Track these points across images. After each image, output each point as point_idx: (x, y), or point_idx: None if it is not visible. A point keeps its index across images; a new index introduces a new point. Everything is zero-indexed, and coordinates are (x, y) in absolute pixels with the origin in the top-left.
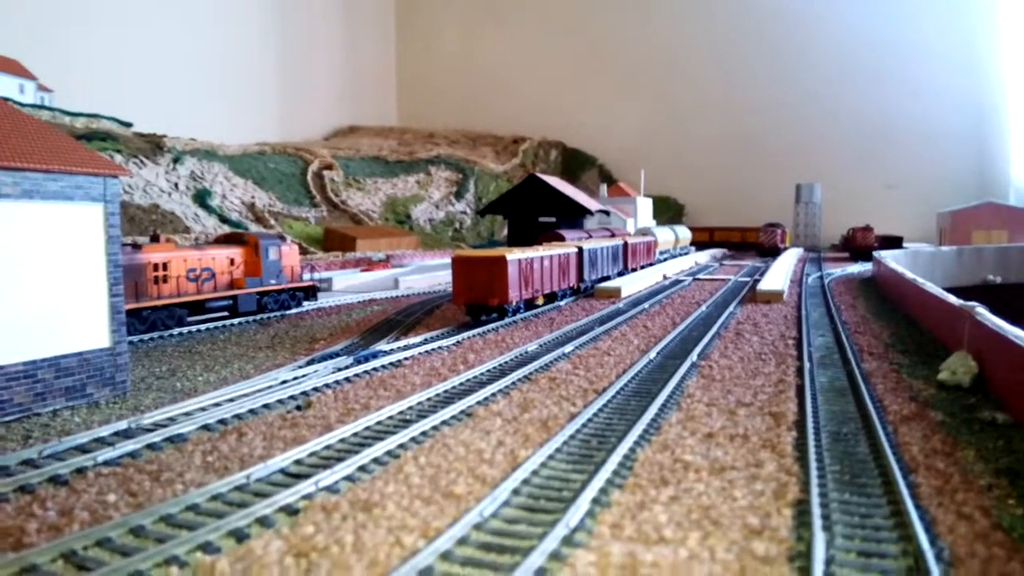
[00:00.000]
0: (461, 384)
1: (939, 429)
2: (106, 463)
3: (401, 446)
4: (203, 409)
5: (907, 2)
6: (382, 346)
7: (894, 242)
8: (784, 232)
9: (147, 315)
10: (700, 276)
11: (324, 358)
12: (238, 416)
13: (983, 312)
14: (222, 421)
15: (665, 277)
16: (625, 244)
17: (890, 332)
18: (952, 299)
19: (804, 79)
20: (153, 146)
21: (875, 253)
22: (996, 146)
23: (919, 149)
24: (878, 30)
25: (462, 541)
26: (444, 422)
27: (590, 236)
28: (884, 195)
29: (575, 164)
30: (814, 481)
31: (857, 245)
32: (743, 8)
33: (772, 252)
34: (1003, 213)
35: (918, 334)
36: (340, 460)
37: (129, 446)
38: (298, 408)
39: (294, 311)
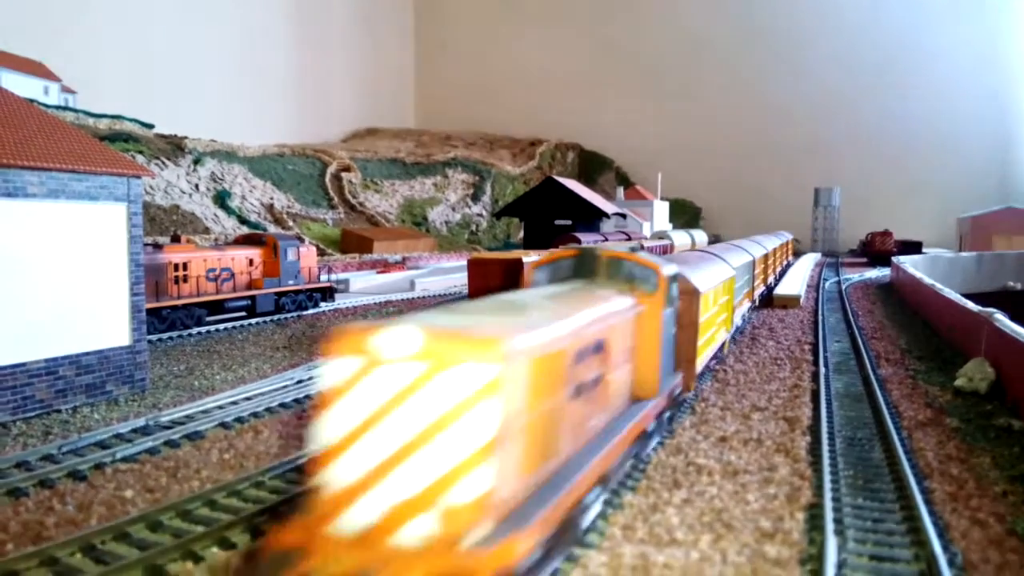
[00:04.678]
0: None
1: (954, 435)
2: (124, 459)
3: None
4: (220, 407)
5: (928, 2)
6: None
7: (913, 247)
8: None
9: (167, 314)
10: None
11: None
12: (255, 414)
13: (1002, 319)
14: (239, 419)
15: None
16: (641, 247)
17: (907, 338)
18: (970, 305)
19: (823, 82)
20: (174, 147)
21: (894, 258)
22: (1018, 150)
23: (940, 152)
24: (899, 31)
25: None
26: None
27: (606, 239)
28: (904, 199)
29: (592, 166)
30: (827, 485)
31: (876, 250)
32: (761, 10)
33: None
34: None
35: (936, 340)
36: None
37: (147, 443)
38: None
39: (311, 311)
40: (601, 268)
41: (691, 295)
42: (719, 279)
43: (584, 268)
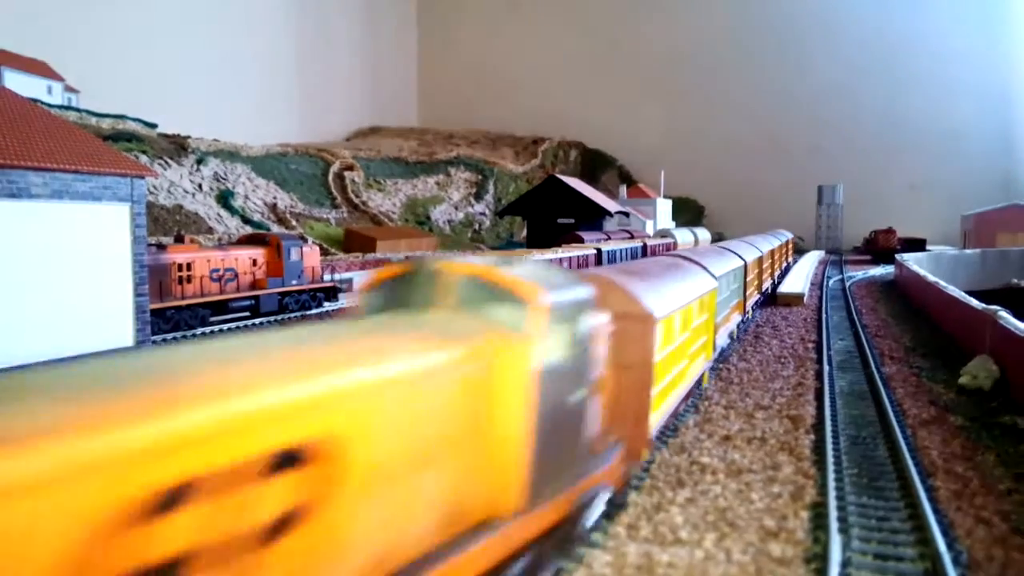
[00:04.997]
0: None
1: (959, 433)
2: None
3: None
4: None
5: (932, 0)
6: None
7: (917, 244)
8: None
9: (171, 315)
10: None
11: None
12: None
13: (1006, 316)
14: None
15: None
16: (644, 246)
17: (911, 336)
18: (974, 303)
19: (827, 79)
20: (177, 147)
21: (897, 256)
22: (1023, 147)
23: (943, 150)
24: (902, 28)
25: None
26: None
27: (609, 238)
28: (907, 197)
29: (595, 165)
30: (831, 484)
31: (879, 247)
32: (765, 8)
33: None
34: None
35: (940, 338)
36: None
37: None
38: None
39: (315, 311)
40: (444, 291)
41: (642, 323)
42: (692, 295)
43: (419, 292)
